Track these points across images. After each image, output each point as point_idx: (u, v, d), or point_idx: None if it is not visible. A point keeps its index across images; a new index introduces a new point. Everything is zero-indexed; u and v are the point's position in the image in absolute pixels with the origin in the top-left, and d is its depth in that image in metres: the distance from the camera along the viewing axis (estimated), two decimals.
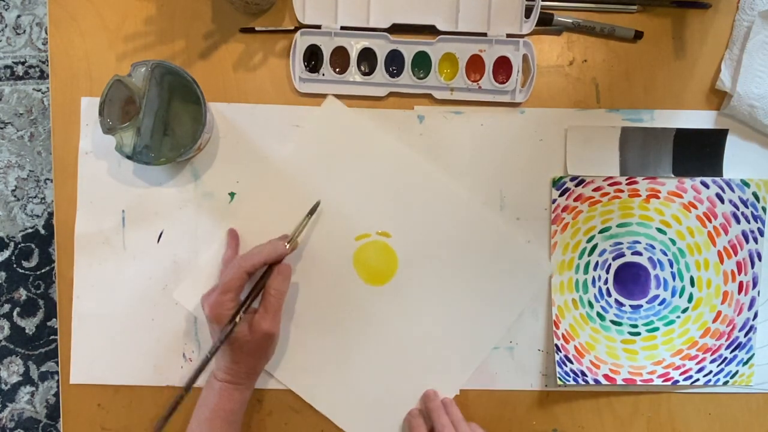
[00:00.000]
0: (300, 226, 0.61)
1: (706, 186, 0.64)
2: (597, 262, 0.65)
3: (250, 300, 0.57)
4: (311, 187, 0.64)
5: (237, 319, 0.55)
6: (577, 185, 0.64)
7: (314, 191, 0.64)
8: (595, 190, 0.64)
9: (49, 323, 1.27)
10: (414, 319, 0.64)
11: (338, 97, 0.64)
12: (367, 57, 0.64)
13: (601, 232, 0.64)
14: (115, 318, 0.64)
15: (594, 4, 0.64)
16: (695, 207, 0.64)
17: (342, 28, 0.63)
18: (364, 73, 0.64)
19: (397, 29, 0.64)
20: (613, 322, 0.64)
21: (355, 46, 0.64)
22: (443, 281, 0.64)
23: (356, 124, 0.64)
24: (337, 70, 0.64)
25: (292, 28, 0.64)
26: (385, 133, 0.64)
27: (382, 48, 0.64)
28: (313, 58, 0.64)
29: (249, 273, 0.56)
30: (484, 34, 0.63)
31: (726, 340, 0.64)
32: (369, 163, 0.64)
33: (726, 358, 0.64)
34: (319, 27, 0.63)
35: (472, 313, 0.64)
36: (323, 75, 0.64)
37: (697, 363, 0.64)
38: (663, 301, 0.65)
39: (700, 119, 0.65)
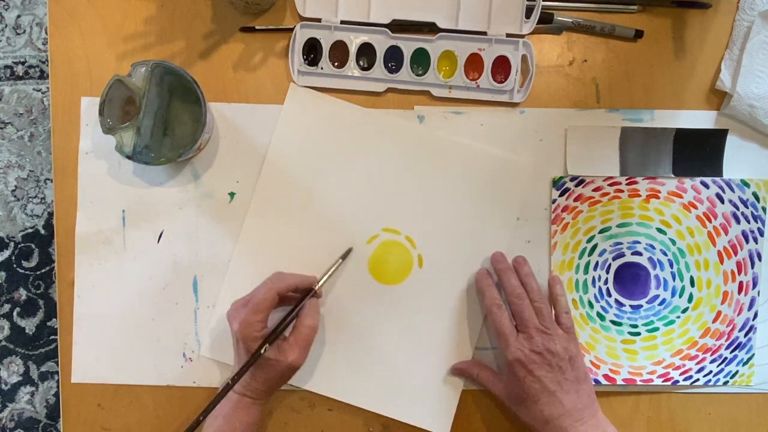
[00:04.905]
0: (330, 270, 0.62)
1: (706, 186, 0.64)
2: (597, 262, 0.64)
3: (281, 329, 0.57)
4: (304, 185, 0.64)
5: (263, 350, 0.55)
6: (577, 185, 0.64)
7: (306, 190, 0.64)
8: (595, 190, 0.64)
9: (49, 323, 1.27)
10: (431, 312, 0.64)
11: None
12: (366, 52, 0.64)
13: (601, 232, 0.64)
14: (115, 318, 0.64)
15: (594, 5, 0.64)
16: (695, 207, 0.64)
17: (342, 22, 0.63)
18: (363, 68, 0.64)
19: (397, 25, 0.64)
20: (613, 322, 0.64)
21: (354, 40, 0.64)
22: (457, 276, 0.64)
23: (332, 112, 0.64)
24: (336, 64, 0.64)
25: (293, 27, 0.64)
26: (375, 127, 0.64)
27: (381, 43, 0.64)
28: (312, 51, 0.64)
29: (280, 295, 0.56)
30: (484, 33, 0.63)
31: (726, 340, 0.64)
32: (360, 157, 0.64)
33: (726, 358, 0.64)
34: (319, 20, 0.63)
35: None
36: (322, 69, 0.64)
37: (697, 363, 0.64)
38: (663, 301, 0.65)
39: (700, 119, 0.65)
